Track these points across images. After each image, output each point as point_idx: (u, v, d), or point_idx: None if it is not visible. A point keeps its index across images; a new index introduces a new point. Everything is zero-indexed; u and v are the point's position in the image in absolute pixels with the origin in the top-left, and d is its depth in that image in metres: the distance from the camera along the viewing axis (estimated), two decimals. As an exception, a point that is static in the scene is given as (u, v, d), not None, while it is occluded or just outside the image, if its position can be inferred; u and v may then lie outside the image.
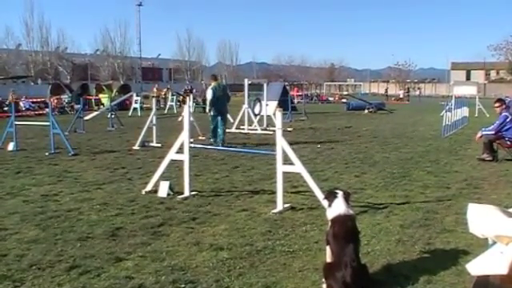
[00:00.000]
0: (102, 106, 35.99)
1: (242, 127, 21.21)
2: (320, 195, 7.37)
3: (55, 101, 34.21)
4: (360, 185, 9.75)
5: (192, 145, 9.00)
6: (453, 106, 22.07)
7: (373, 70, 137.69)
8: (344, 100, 52.13)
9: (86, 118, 23.32)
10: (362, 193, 9.04)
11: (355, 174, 10.87)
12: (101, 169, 11.55)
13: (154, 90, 41.02)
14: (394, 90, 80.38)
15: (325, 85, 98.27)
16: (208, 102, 16.72)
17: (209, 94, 16.35)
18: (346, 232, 4.72)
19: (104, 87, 41.28)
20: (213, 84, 16.57)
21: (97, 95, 39.74)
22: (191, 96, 26.62)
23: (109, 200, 8.38)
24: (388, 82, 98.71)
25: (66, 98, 37.87)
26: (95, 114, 28.40)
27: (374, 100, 44.64)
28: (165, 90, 43.90)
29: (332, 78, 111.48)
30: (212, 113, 16.30)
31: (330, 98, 62.98)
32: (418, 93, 79.15)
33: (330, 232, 4.85)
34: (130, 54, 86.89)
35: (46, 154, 13.70)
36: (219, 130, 16.40)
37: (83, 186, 9.57)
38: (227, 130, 17.97)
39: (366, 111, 35.96)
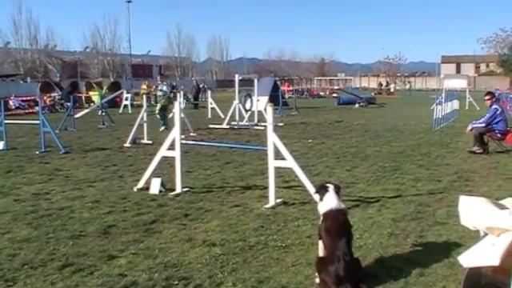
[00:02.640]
0: (92, 104, 35.79)
1: (233, 123, 21.20)
2: (312, 190, 7.39)
3: (47, 99, 34.04)
4: (352, 179, 9.78)
5: (183, 141, 8.97)
6: (443, 100, 22.16)
7: (363, 64, 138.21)
8: (335, 94, 52.14)
9: (77, 115, 23.22)
10: (354, 187, 9.07)
11: (347, 168, 10.90)
12: (92, 166, 11.51)
13: (144, 86, 40.84)
14: (385, 84, 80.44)
15: (315, 79, 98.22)
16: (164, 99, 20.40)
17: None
18: (338, 226, 4.74)
19: (94, 85, 41.07)
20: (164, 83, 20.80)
21: (87, 93, 39.51)
22: (181, 93, 26.53)
23: (100, 198, 8.36)
24: (378, 76, 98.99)
25: (56, 95, 37.66)
26: (85, 111, 28.20)
27: (365, 94, 44.75)
28: (154, 86, 43.69)
29: (322, 73, 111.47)
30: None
31: (321, 93, 63.05)
32: (408, 86, 79.43)
33: (322, 226, 4.87)
34: (119, 51, 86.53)
35: (37, 152, 13.64)
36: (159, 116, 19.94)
37: (74, 183, 9.54)
38: (219, 126, 19.89)
39: (357, 105, 36.05)
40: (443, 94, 23.43)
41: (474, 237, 3.24)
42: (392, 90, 68.02)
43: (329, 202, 4.98)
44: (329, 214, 4.88)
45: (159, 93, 21.15)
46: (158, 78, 22.31)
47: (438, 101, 21.35)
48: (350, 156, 12.79)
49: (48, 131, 14.03)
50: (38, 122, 14.31)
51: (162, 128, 18.98)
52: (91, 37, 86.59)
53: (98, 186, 9.36)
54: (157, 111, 20.32)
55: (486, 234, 3.13)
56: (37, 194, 8.68)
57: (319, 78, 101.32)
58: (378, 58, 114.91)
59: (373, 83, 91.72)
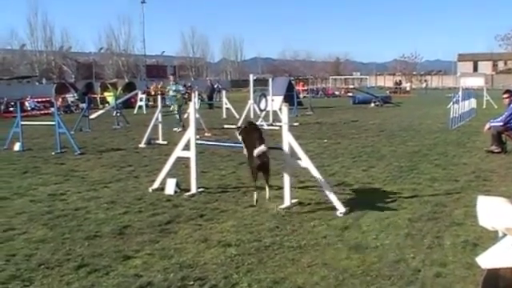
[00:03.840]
0: (107, 105, 35.95)
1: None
2: (328, 190, 7.39)
3: (61, 100, 34.30)
4: (367, 179, 9.74)
5: (198, 141, 9.00)
6: (460, 98, 21.97)
7: (379, 63, 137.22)
8: (350, 94, 51.99)
9: (92, 116, 23.35)
10: (370, 187, 9.04)
11: (362, 168, 10.86)
12: (107, 167, 11.59)
13: (152, 87, 41.13)
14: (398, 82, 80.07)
15: (330, 79, 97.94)
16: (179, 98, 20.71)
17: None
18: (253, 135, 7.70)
19: (109, 85, 41.25)
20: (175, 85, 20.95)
21: (102, 94, 39.72)
22: (196, 93, 26.61)
23: (116, 198, 8.41)
24: (394, 74, 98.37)
25: (71, 96, 37.95)
26: (100, 112, 28.31)
27: (380, 93, 44.54)
28: (160, 86, 43.76)
29: (338, 72, 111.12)
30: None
31: (336, 92, 62.86)
32: (424, 85, 78.87)
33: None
34: (134, 51, 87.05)
35: (52, 153, 13.75)
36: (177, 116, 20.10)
37: (90, 184, 9.60)
38: (234, 126, 18.82)
39: (373, 105, 35.87)
40: (460, 93, 23.24)
41: (493, 237, 3.21)
42: (408, 88, 67.62)
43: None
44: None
45: (171, 93, 21.05)
46: (171, 77, 22.21)
47: (454, 99, 21.18)
48: (365, 156, 12.74)
49: (63, 132, 14.14)
50: (53, 123, 14.43)
51: (180, 129, 19.02)
52: (106, 38, 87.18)
53: (113, 186, 9.42)
54: (176, 111, 20.37)
55: (504, 235, 3.09)
56: (52, 194, 8.75)
57: (334, 77, 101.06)
58: (394, 57, 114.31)
59: (388, 82, 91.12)
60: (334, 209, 7.21)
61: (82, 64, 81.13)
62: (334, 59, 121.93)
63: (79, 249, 5.88)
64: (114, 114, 24.05)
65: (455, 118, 20.11)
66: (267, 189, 7.65)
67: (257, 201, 7.63)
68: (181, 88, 20.97)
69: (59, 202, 8.17)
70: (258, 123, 20.94)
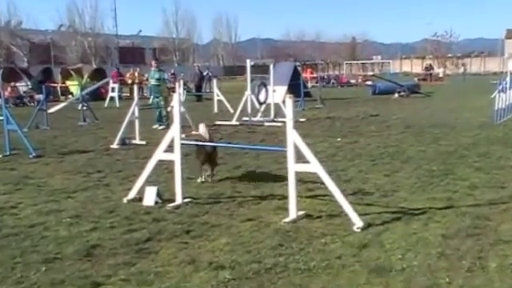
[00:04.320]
0: (70, 96, 36.04)
1: (244, 118, 21.24)
2: (343, 200, 7.42)
3: (9, 90, 34.26)
4: (391, 186, 9.77)
5: (184, 141, 9.02)
6: (508, 85, 21.96)
7: (404, 43, 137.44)
8: (369, 82, 52.04)
9: (51, 110, 23.38)
10: (394, 195, 9.06)
11: (385, 173, 10.89)
12: (71, 173, 11.62)
13: (128, 75, 41.08)
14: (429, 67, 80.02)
15: (345, 64, 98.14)
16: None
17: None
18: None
19: (72, 72, 41.25)
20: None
21: (63, 82, 39.73)
22: (181, 82, 26.65)
23: (82, 211, 8.43)
24: (424, 58, 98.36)
25: (23, 85, 37.91)
26: (62, 105, 28.43)
27: (407, 81, 44.58)
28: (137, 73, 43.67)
29: (354, 56, 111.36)
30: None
31: (352, 81, 62.92)
32: (461, 70, 78.95)
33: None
34: (103, 30, 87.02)
35: (0, 156, 13.77)
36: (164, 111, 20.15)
37: (49, 194, 9.61)
38: (227, 122, 20.38)
39: (397, 95, 35.90)
40: (508, 79, 23.23)
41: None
42: (441, 74, 67.69)
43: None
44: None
45: (153, 82, 20.92)
46: (153, 63, 22.03)
47: (500, 87, 21.15)
48: (388, 158, 12.78)
49: (14, 130, 14.14)
50: (0, 118, 14.43)
51: (163, 127, 19.09)
52: (67, 12, 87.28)
53: (78, 196, 9.44)
54: (160, 104, 20.37)
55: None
56: (0, 207, 8.77)
57: (349, 62, 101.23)
58: (423, 36, 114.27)
59: (416, 67, 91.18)
60: (349, 222, 7.25)
61: (36, 45, 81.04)
62: (349, 40, 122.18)
63: (34, 275, 5.88)
64: (80, 108, 24.07)
65: (501, 111, 20.10)
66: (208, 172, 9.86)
67: (204, 179, 9.89)
68: (166, 76, 20.93)
69: (9, 217, 8.18)
70: (256, 119, 21.17)
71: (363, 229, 7.12)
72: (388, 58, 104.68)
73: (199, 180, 10.19)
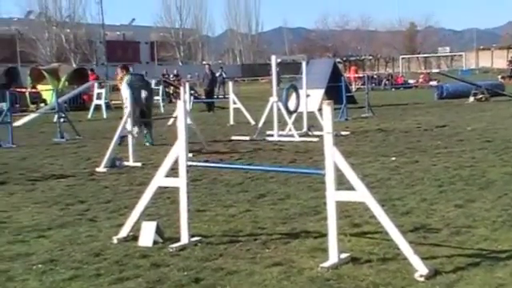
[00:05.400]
0: (42, 105, 36.24)
1: (269, 133, 21.26)
2: (401, 239, 7.37)
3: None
4: (465, 220, 9.69)
5: (191, 162, 9.05)
6: None
7: (482, 29, 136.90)
8: (433, 83, 51.94)
9: (17, 123, 23.58)
10: (470, 233, 8.97)
11: (456, 203, 10.81)
12: (44, 205, 11.63)
13: (118, 77, 41.39)
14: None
15: (401, 59, 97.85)
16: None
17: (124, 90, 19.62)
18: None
19: (45, 73, 41.39)
20: (126, 77, 20.22)
21: (34, 86, 39.98)
22: (187, 85, 26.77)
23: (58, 255, 8.41)
24: (509, 48, 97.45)
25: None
26: (32, 116, 28.63)
27: (486, 80, 44.34)
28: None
29: (413, 48, 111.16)
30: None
31: (411, 81, 62.82)
32: None
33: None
34: (85, 19, 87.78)
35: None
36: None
37: (14, 233, 9.60)
38: (247, 138, 20.62)
39: (472, 99, 35.80)
40: None
41: None
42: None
43: None
44: None
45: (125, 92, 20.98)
46: (118, 70, 22.16)
47: None
48: (461, 183, 12.69)
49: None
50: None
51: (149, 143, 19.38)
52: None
53: (54, 235, 9.44)
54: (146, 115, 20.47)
55: None
56: (-50, 250, 8.82)
57: (407, 55, 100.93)
58: (509, 19, 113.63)
59: (499, 61, 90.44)
60: (409, 269, 7.20)
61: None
62: (406, 27, 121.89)
63: None
64: (55, 120, 24.18)
65: None
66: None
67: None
68: (152, 82, 21.24)
69: (-36, 262, 8.23)
70: (284, 133, 21.16)
71: (429, 277, 7.01)
72: (460, 50, 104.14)
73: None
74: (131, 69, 22.58)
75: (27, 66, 50.32)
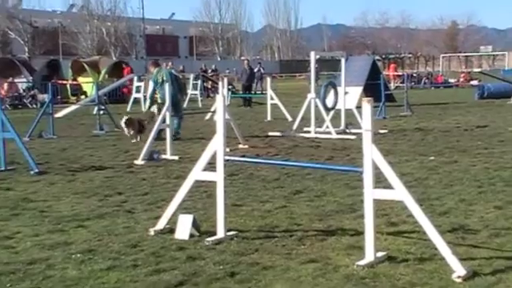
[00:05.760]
0: (83, 97, 36.47)
1: (306, 129, 21.22)
2: (439, 239, 7.28)
3: (6, 87, 34.87)
4: (505, 222, 9.57)
5: (228, 157, 9.02)
6: None
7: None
8: (474, 82, 51.55)
9: (58, 115, 23.71)
10: (510, 235, 8.83)
11: (496, 205, 10.68)
12: (83, 195, 11.72)
13: (152, 69, 41.39)
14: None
15: (441, 58, 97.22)
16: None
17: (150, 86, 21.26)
18: None
19: (86, 66, 41.57)
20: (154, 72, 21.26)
21: (75, 79, 40.18)
22: (225, 80, 26.78)
23: (96, 245, 8.46)
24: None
25: (23, 82, 38.47)
26: (72, 108, 28.79)
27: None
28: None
29: (453, 47, 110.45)
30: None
31: (451, 80, 62.41)
32: None
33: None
34: (126, 13, 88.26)
35: (-7, 172, 14.00)
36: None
37: (54, 222, 9.69)
38: (284, 134, 20.70)
39: (515, 99, 35.55)
40: None
41: None
42: None
43: None
44: None
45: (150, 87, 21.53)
46: (150, 67, 22.38)
47: None
48: (501, 183, 12.53)
49: (11, 138, 14.34)
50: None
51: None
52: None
53: (92, 226, 9.49)
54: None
55: None
56: (-8, 238, 8.88)
57: (448, 54, 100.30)
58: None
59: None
60: (447, 269, 7.11)
61: (40, 30, 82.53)
62: (447, 26, 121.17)
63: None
64: (95, 112, 24.31)
65: None
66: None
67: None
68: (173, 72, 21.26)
69: (2, 251, 8.25)
70: (322, 130, 21.10)
71: (466, 279, 6.93)
72: (503, 49, 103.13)
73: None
74: (168, 64, 22.60)
75: (68, 59, 50.66)
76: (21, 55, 64.62)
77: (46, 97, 24.62)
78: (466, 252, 7.83)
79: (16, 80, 37.75)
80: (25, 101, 35.51)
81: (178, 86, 21.07)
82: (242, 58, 60.35)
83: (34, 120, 20.99)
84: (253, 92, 39.05)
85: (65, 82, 39.04)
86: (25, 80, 38.84)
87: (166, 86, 17.45)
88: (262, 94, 37.65)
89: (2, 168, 14.12)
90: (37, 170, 13.88)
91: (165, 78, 20.42)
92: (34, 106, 33.65)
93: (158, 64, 22.20)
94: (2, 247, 8.42)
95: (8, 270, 7.43)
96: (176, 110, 19.86)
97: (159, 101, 20.48)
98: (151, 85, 21.07)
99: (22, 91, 36.95)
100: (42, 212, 10.41)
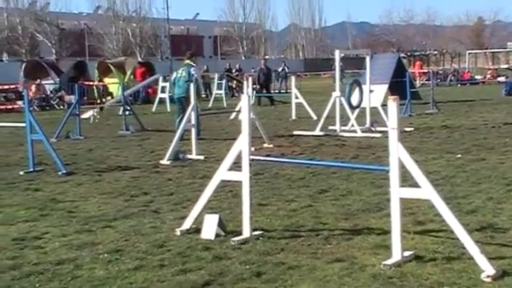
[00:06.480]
0: (109, 98, 36.63)
1: (331, 128, 21.17)
2: (466, 238, 7.21)
3: (33, 89, 35.04)
4: (533, 222, 9.50)
5: (254, 157, 8.99)
6: None
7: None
8: (502, 79, 51.22)
9: (85, 115, 23.79)
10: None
11: (525, 203, 10.62)
12: (110, 196, 11.77)
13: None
14: None
15: (467, 54, 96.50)
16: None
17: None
18: None
19: (112, 67, 41.77)
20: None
21: (101, 80, 40.36)
22: (250, 80, 26.76)
23: (123, 245, 8.48)
24: None
25: (51, 83, 38.68)
26: (98, 109, 28.90)
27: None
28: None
29: (480, 43, 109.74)
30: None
31: (478, 77, 62.13)
32: None
33: None
34: (151, 14, 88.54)
35: (21, 173, 14.07)
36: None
37: (82, 223, 9.72)
38: (309, 133, 20.36)
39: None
40: None
41: None
42: None
43: None
44: None
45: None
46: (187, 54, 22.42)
47: None
48: (529, 181, 12.46)
49: (39, 139, 14.39)
50: (22, 124, 14.71)
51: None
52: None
53: (119, 226, 9.52)
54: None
55: None
56: (20, 239, 8.88)
57: (474, 51, 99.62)
58: None
59: None
60: (475, 269, 7.04)
61: (67, 32, 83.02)
62: (473, 22, 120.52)
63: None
64: (121, 113, 24.39)
65: None
66: None
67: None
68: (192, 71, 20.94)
69: (31, 251, 8.29)
70: (347, 128, 21.06)
71: (496, 278, 6.85)
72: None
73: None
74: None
75: (95, 60, 50.91)
76: (48, 57, 64.96)
77: (72, 98, 24.69)
78: (494, 251, 7.74)
79: (43, 82, 38.00)
80: (52, 102, 35.76)
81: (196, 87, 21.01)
82: (267, 57, 60.38)
83: (61, 121, 21.12)
84: (275, 91, 38.99)
85: (91, 83, 39.16)
86: (52, 82, 39.10)
87: (191, 86, 17.47)
88: (287, 92, 37.66)
89: (31, 169, 14.18)
90: (64, 171, 13.95)
91: (184, 75, 20.71)
92: (61, 107, 33.84)
93: (190, 57, 22.34)
94: (31, 248, 8.46)
95: (37, 271, 7.45)
96: (182, 109, 19.92)
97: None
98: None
99: (49, 93, 37.22)
100: (69, 212, 10.46)
